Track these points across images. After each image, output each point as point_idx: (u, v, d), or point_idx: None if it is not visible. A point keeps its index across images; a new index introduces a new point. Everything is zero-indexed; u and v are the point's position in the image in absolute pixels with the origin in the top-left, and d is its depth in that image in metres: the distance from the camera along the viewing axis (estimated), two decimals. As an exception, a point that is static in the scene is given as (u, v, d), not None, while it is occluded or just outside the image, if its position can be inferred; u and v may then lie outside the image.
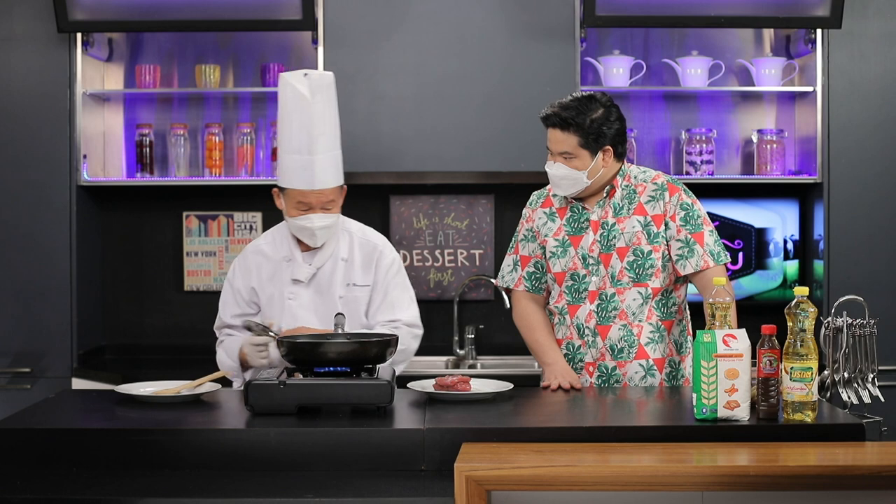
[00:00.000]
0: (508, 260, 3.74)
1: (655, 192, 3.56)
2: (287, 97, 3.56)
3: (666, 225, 3.54)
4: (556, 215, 3.65)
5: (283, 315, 3.64)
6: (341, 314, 3.50)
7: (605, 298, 3.55)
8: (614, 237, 3.55)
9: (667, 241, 3.54)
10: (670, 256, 3.55)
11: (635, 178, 3.60)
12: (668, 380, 3.56)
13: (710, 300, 2.96)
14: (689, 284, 3.64)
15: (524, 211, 3.73)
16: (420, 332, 3.74)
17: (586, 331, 3.57)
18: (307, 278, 3.65)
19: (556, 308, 3.64)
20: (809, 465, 2.62)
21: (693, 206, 3.55)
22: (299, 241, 3.67)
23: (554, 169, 3.53)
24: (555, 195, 3.66)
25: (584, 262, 3.58)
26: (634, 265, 3.53)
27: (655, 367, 3.54)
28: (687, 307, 3.66)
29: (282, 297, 3.65)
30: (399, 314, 3.69)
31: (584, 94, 3.56)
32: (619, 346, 3.54)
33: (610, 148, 3.52)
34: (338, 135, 3.64)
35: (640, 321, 3.54)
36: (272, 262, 3.69)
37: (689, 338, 3.63)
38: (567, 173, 3.51)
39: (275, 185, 3.67)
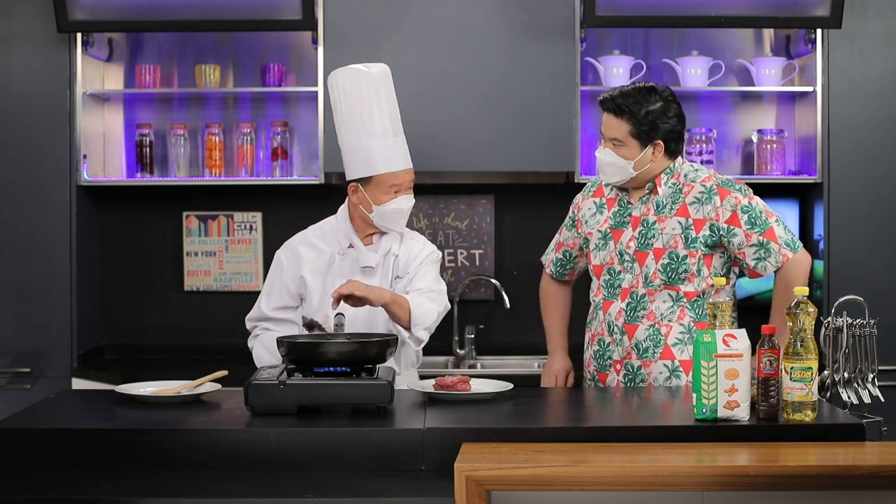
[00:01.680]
0: (553, 240, 3.83)
1: (702, 194, 3.50)
2: (359, 86, 3.62)
3: (728, 231, 3.46)
4: (605, 206, 3.64)
5: (331, 309, 3.61)
6: (341, 314, 3.50)
7: (636, 298, 3.53)
8: (653, 236, 3.51)
9: (732, 249, 3.48)
10: (745, 264, 3.49)
11: (685, 176, 3.55)
12: None
13: (711, 300, 2.96)
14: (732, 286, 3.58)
15: (575, 197, 3.77)
16: (446, 302, 3.66)
17: (615, 328, 3.55)
18: (377, 264, 3.66)
19: (595, 301, 3.64)
20: (809, 465, 2.62)
21: (752, 206, 3.48)
22: (360, 236, 3.69)
23: (602, 154, 3.53)
24: (606, 184, 3.64)
25: (621, 258, 3.56)
26: (668, 269, 3.49)
27: (681, 369, 3.50)
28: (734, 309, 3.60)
29: (329, 290, 3.63)
30: (425, 285, 3.64)
31: (647, 84, 3.54)
32: (644, 346, 3.51)
33: (661, 142, 3.49)
34: None
35: (669, 321, 3.51)
36: (323, 256, 3.70)
37: None
38: (613, 160, 3.50)
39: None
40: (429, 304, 3.57)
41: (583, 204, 3.71)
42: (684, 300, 3.51)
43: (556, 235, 3.81)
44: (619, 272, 3.56)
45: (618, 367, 3.56)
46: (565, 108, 4.68)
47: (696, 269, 3.49)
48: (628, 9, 4.65)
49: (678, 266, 3.48)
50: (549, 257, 3.82)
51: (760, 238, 3.46)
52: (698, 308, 3.52)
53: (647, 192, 3.55)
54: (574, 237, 3.72)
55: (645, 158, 3.49)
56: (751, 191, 3.54)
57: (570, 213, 3.77)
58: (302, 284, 3.69)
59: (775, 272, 3.50)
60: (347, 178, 3.70)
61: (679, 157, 3.58)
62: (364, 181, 3.64)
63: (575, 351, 3.83)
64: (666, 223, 3.51)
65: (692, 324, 3.51)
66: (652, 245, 3.51)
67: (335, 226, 3.75)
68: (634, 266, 3.53)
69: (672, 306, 3.50)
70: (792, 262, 3.48)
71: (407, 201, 3.65)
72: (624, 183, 3.55)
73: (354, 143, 3.63)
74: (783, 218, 3.50)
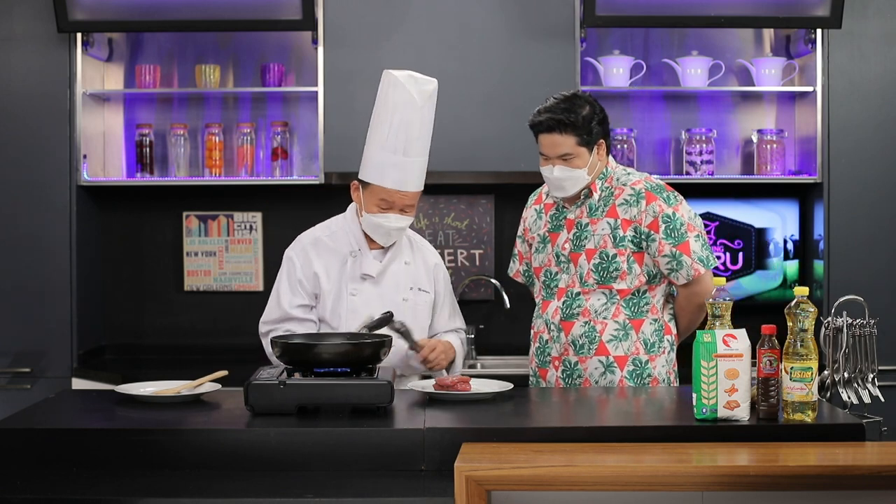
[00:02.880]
0: (514, 251, 3.89)
1: (631, 197, 3.56)
2: (393, 95, 3.56)
3: (647, 236, 3.53)
4: (543, 211, 3.74)
5: (344, 311, 3.61)
6: (389, 312, 3.52)
7: (571, 296, 3.60)
8: (585, 238, 3.59)
9: (651, 254, 3.54)
10: (660, 271, 3.57)
11: (617, 180, 3.62)
12: (629, 378, 3.57)
13: (710, 300, 2.96)
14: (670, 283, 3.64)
15: (523, 212, 3.83)
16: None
17: (552, 326, 3.62)
18: (377, 273, 3.64)
19: (536, 301, 3.73)
20: (809, 465, 2.62)
21: (675, 216, 3.53)
22: (368, 238, 3.67)
23: (556, 172, 3.56)
24: (548, 194, 3.71)
25: (557, 260, 3.64)
26: (599, 268, 3.56)
27: (616, 365, 3.56)
28: (664, 307, 3.64)
29: (342, 291, 3.62)
30: (459, 322, 3.83)
31: (564, 94, 3.60)
32: (580, 342, 3.58)
33: (602, 141, 3.57)
34: (429, 141, 3.63)
35: (604, 318, 3.57)
36: (334, 255, 3.66)
37: (669, 337, 3.62)
38: (569, 174, 3.55)
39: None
40: (461, 350, 3.76)
41: (527, 213, 3.82)
42: (618, 298, 3.56)
43: (514, 248, 3.89)
44: (556, 273, 3.64)
45: (556, 363, 3.63)
46: (565, 108, 4.68)
47: (627, 266, 3.55)
48: (628, 9, 4.66)
49: (609, 265, 3.55)
50: (516, 268, 3.88)
51: (673, 250, 3.51)
52: (633, 306, 3.58)
53: (582, 197, 3.61)
54: (526, 250, 3.81)
55: (594, 161, 3.56)
56: (681, 199, 3.58)
57: (520, 226, 3.84)
58: (316, 283, 3.64)
59: (689, 285, 3.56)
60: (358, 175, 3.67)
61: (611, 161, 3.65)
62: (364, 184, 3.62)
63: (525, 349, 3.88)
64: (597, 225, 3.58)
65: (627, 321, 3.57)
66: (584, 246, 3.58)
67: (344, 226, 3.71)
68: (570, 267, 3.61)
69: (606, 303, 3.57)
70: (703, 276, 3.52)
71: (397, 220, 3.59)
72: (580, 191, 3.59)
73: (370, 146, 3.61)
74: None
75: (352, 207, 3.74)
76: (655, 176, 3.73)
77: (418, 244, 3.80)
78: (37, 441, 2.86)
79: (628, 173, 3.65)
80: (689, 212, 3.58)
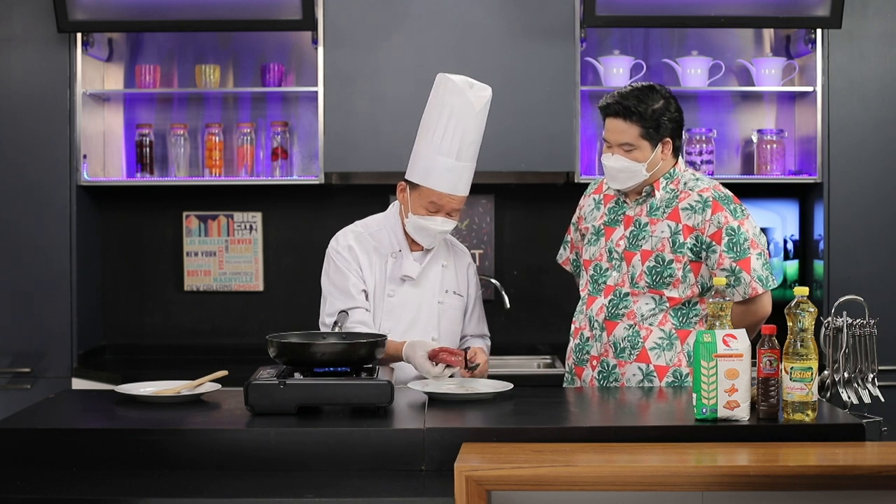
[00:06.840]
0: (566, 237, 3.82)
1: (696, 203, 3.45)
2: (450, 99, 3.53)
3: (708, 246, 3.42)
4: (602, 203, 3.64)
5: (380, 312, 3.59)
6: (345, 312, 3.48)
7: (618, 296, 3.51)
8: (643, 238, 3.49)
9: (708, 265, 3.44)
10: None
11: (684, 184, 3.51)
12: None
13: (711, 300, 2.96)
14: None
15: (581, 199, 3.76)
16: None
17: (595, 324, 3.55)
18: (417, 275, 3.62)
19: (581, 295, 3.65)
20: (809, 465, 2.62)
21: (739, 230, 3.42)
22: (409, 239, 3.66)
23: (612, 161, 3.47)
24: (609, 187, 3.62)
25: (609, 256, 3.55)
26: (653, 271, 3.46)
27: (655, 374, 3.49)
28: None
29: (381, 292, 3.61)
30: (485, 328, 3.82)
31: (643, 84, 3.50)
32: (622, 345, 3.50)
33: (669, 140, 3.47)
34: (479, 147, 3.62)
35: (650, 324, 3.48)
36: (376, 254, 3.64)
37: None
38: (626, 165, 3.45)
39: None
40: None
41: (584, 202, 3.72)
42: (667, 305, 3.48)
43: (567, 234, 3.82)
44: (606, 269, 3.56)
45: (594, 363, 3.55)
46: (565, 108, 4.69)
47: (682, 275, 3.45)
48: (628, 9, 4.66)
49: (663, 270, 3.46)
50: (565, 255, 3.82)
51: (733, 265, 3.41)
52: (682, 316, 3.49)
53: (644, 195, 3.54)
54: (578, 239, 3.74)
55: (656, 159, 3.46)
56: (747, 213, 3.48)
57: (575, 214, 3.77)
58: (361, 279, 3.61)
59: (744, 302, 3.45)
60: (406, 176, 3.65)
61: (680, 163, 3.56)
62: (412, 186, 3.59)
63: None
64: (657, 226, 3.48)
65: (673, 331, 3.49)
66: (640, 246, 3.49)
67: (385, 225, 3.69)
68: (622, 265, 3.52)
69: (654, 309, 3.48)
70: (760, 297, 3.45)
71: (443, 224, 3.58)
72: (637, 186, 3.51)
73: (421, 148, 3.58)
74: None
75: (393, 207, 3.72)
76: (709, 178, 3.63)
77: (455, 247, 3.79)
78: (37, 441, 2.86)
79: (697, 179, 3.53)
80: (754, 227, 3.46)
